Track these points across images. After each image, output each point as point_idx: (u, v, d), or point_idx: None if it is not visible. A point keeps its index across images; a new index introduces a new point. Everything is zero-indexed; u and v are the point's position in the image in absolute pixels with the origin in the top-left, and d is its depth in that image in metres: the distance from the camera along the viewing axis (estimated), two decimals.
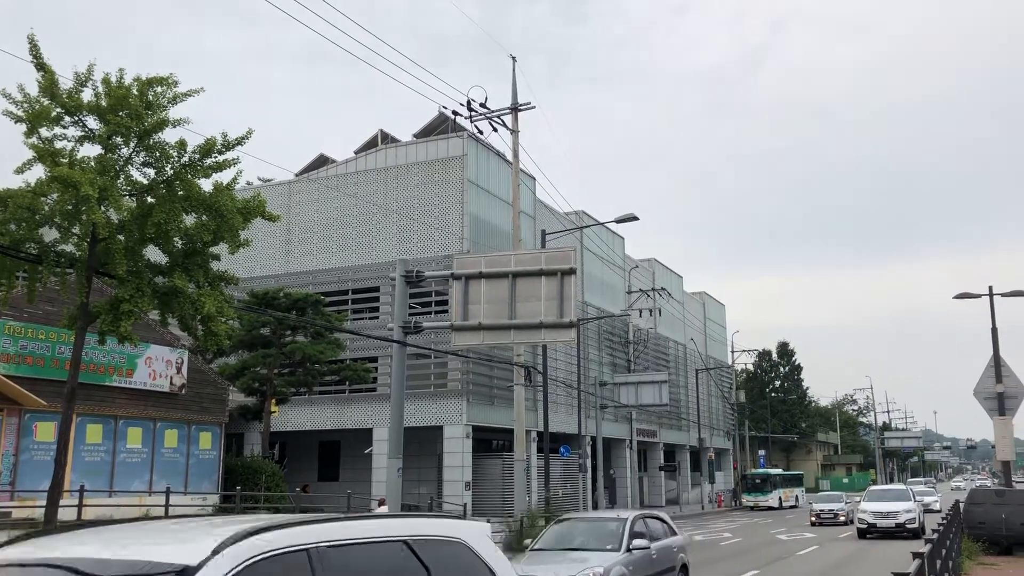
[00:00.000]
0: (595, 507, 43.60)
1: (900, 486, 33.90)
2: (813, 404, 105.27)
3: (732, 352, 75.98)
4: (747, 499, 57.19)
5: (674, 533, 14.56)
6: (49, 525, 14.92)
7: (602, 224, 42.64)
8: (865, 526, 28.78)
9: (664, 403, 44.53)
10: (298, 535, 3.68)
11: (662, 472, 57.98)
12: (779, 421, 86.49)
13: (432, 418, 36.31)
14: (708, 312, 73.17)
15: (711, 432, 67.16)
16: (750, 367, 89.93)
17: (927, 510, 39.93)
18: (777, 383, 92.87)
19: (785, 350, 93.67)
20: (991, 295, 23.22)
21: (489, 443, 42.23)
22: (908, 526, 28.13)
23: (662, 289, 53.52)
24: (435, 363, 36.88)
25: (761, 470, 63.84)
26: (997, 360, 22.37)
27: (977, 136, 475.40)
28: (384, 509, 23.30)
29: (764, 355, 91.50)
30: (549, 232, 34.75)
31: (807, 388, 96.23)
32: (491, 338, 20.86)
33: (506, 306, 20.14)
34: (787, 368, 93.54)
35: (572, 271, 20.08)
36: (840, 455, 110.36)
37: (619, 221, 33.66)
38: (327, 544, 3.79)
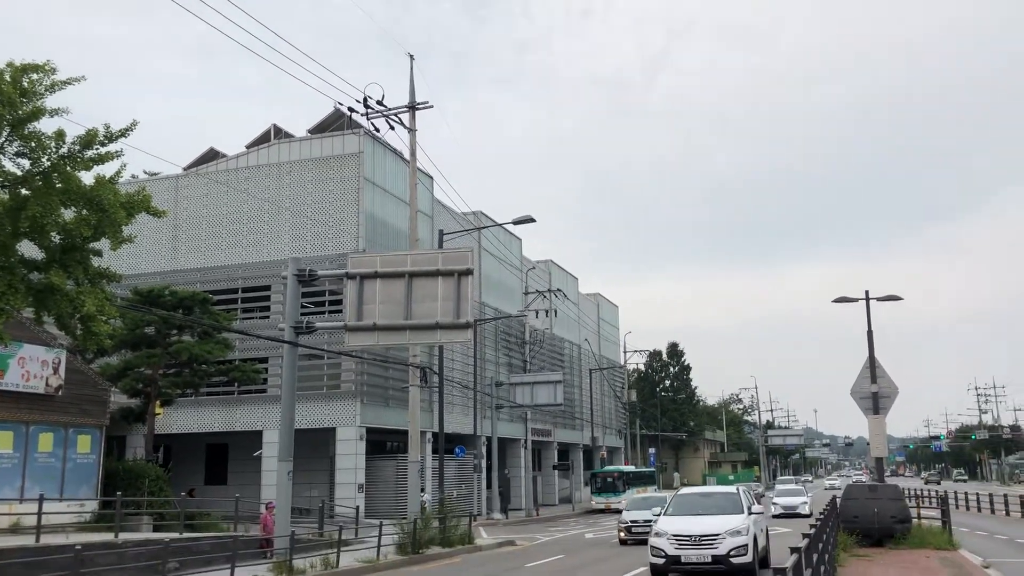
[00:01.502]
0: (488, 508, 43.74)
1: (726, 488, 19.14)
2: (701, 403, 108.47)
3: (625, 352, 77.63)
4: (596, 500, 51.35)
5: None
6: None
7: (500, 225, 42.85)
8: (662, 560, 15.58)
9: (559, 403, 45.11)
10: None
11: (556, 471, 58.62)
12: (669, 420, 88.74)
13: (325, 420, 35.70)
14: (602, 313, 74.45)
15: (604, 431, 68.35)
16: (642, 367, 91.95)
17: (793, 514, 37.44)
18: (667, 383, 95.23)
19: (675, 351, 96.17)
20: (867, 299, 24.39)
21: (383, 445, 41.83)
22: (732, 559, 15.24)
23: (558, 290, 54.16)
24: (328, 364, 36.29)
25: (612, 467, 58.32)
26: (872, 362, 23.53)
27: (861, 146, 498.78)
28: (273, 514, 22.80)
29: (655, 355, 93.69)
30: (447, 232, 34.69)
31: (696, 387, 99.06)
32: (386, 339, 20.68)
33: (402, 306, 20.00)
34: (676, 368, 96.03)
35: (469, 272, 20.11)
36: (727, 452, 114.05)
37: (516, 223, 33.89)
38: None
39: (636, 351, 79.42)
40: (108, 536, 21.77)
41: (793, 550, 8.18)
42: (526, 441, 52.78)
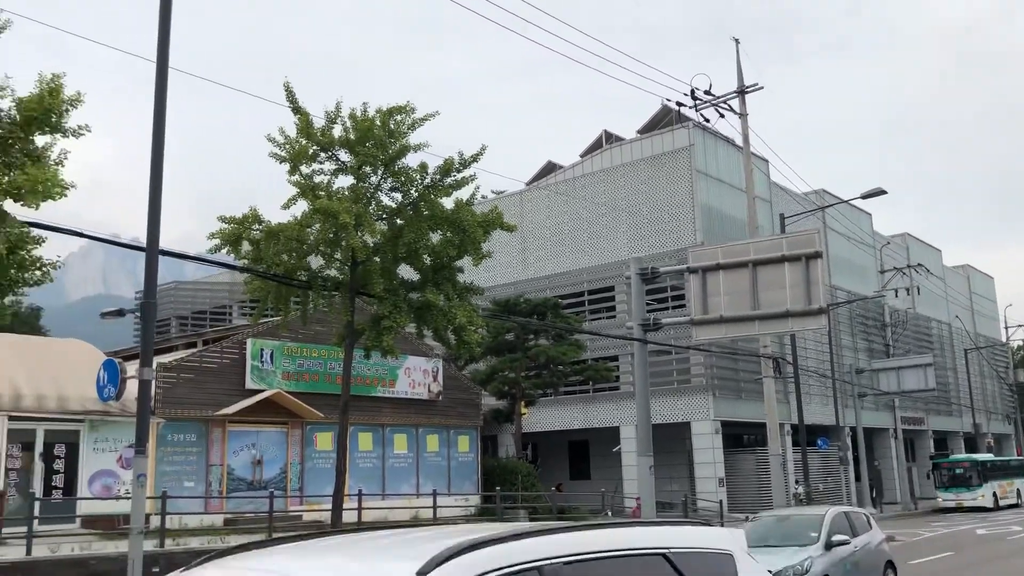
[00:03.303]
0: (859, 501, 41.28)
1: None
2: None
3: (1006, 328, 69.13)
4: (943, 497, 42.99)
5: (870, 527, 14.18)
6: (335, 527, 16.38)
7: (846, 202, 40.32)
8: None
9: (930, 388, 41.25)
10: (527, 549, 3.19)
11: (932, 462, 53.60)
12: None
13: (678, 414, 35.96)
14: (974, 286, 66.95)
15: (987, 416, 61.37)
16: None
17: None
18: None
19: None
20: None
21: (740, 438, 41.14)
22: None
23: (918, 265, 49.62)
24: (677, 359, 36.50)
25: (964, 456, 47.45)
26: None
27: None
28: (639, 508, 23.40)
29: None
30: (788, 215, 33.38)
31: None
32: (734, 330, 20.32)
33: (748, 296, 19.56)
34: None
35: (818, 254, 19.14)
36: None
37: (865, 196, 31.66)
38: (564, 559, 3.26)
39: (1020, 325, 70.26)
40: None
41: None
42: (895, 430, 48.99)
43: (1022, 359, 78.05)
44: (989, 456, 48.60)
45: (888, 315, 49.59)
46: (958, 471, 43.43)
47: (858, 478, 42.15)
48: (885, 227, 63.60)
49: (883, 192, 30.86)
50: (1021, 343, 78.29)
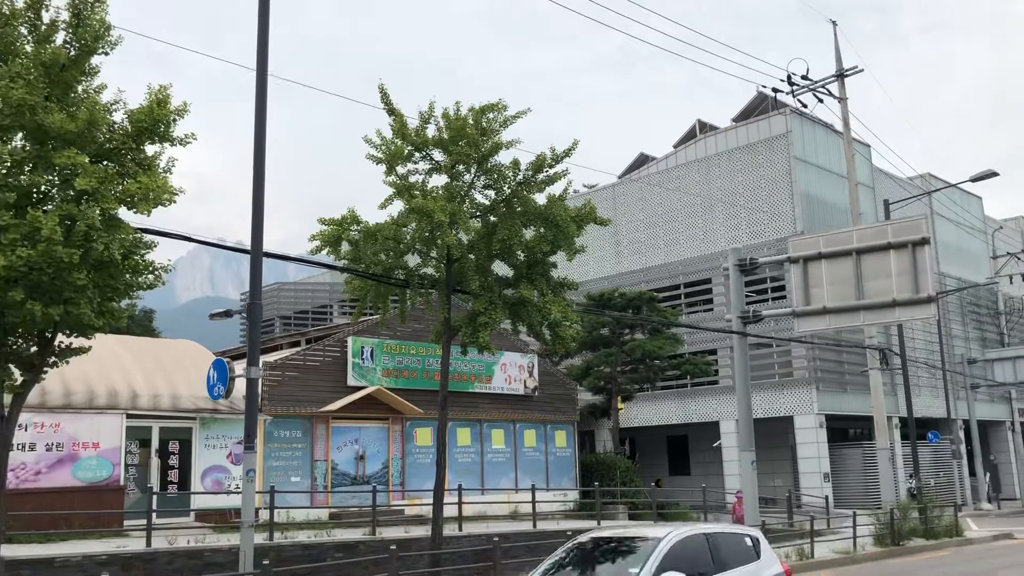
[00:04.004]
0: (975, 497, 39.53)
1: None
2: None
3: None
4: None
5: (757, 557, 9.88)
6: (436, 522, 16.60)
7: (954, 186, 38.64)
8: None
9: None
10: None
11: None
12: None
13: (780, 408, 35.12)
14: None
15: None
16: None
17: None
18: None
19: None
20: None
21: (845, 432, 39.91)
22: None
23: None
24: (777, 352, 35.64)
25: None
26: None
27: None
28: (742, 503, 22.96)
29: None
30: (892, 201, 32.19)
31: None
32: (838, 321, 19.74)
33: (851, 286, 18.97)
34: None
35: (925, 241, 18.41)
36: None
37: (974, 180, 30.30)
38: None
39: None
40: (591, 523, 23.67)
41: None
42: (1012, 423, 46.71)
43: None
44: None
45: (1002, 303, 47.31)
46: None
47: (972, 473, 40.39)
48: (997, 211, 60.68)
49: (994, 174, 29.47)
50: None
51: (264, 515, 19.05)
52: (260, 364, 13.95)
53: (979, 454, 40.43)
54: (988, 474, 41.25)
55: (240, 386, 18.46)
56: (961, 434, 39.29)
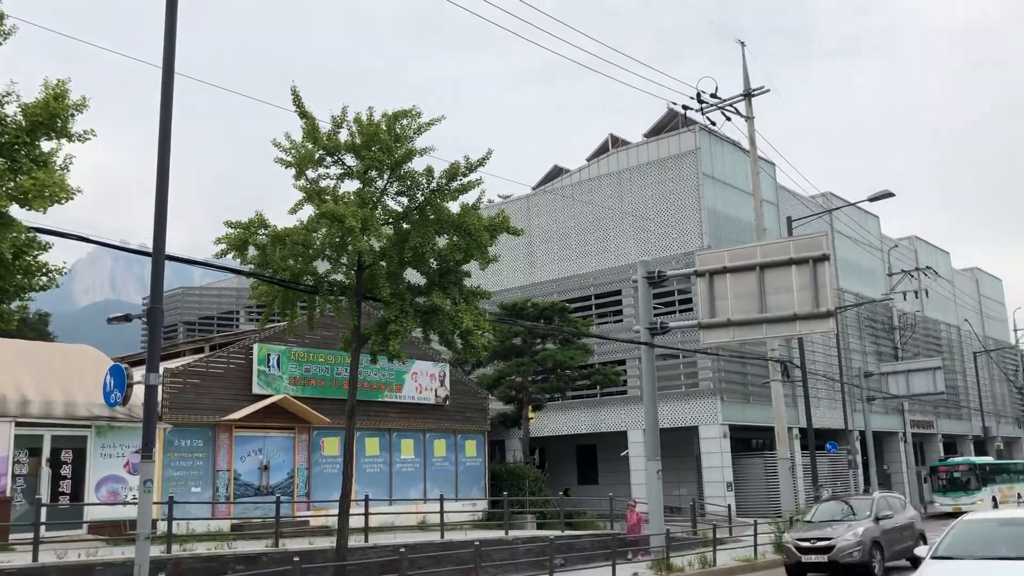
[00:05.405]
0: None
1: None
2: None
3: (1015, 331, 68.79)
4: (940, 501, 41.90)
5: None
6: (342, 533, 16.31)
7: (853, 204, 40.19)
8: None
9: (939, 391, 40.98)
10: None
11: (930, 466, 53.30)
12: None
13: (686, 418, 35.84)
14: (983, 289, 66.69)
15: (997, 420, 61.06)
16: None
17: None
18: None
19: None
20: None
21: (748, 442, 40.97)
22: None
23: (927, 268, 49.48)
24: (684, 363, 36.39)
25: (961, 458, 46.71)
26: None
27: None
28: (635, 512, 23.33)
29: None
30: (795, 219, 33.27)
31: None
32: (742, 334, 20.27)
33: (755, 300, 19.50)
34: None
35: (825, 257, 19.09)
36: None
37: (872, 199, 31.57)
38: None
39: None
40: (499, 533, 23.65)
41: None
42: (904, 434, 48.76)
43: None
44: (989, 459, 47.68)
45: (897, 318, 49.39)
46: (956, 475, 42.19)
47: (867, 482, 41.94)
48: (893, 230, 63.44)
49: (891, 195, 30.76)
50: None
51: (162, 527, 18.38)
52: (160, 370, 13.47)
53: (874, 463, 42.02)
54: (881, 483, 42.89)
55: (139, 393, 17.79)
56: (857, 444, 40.77)
